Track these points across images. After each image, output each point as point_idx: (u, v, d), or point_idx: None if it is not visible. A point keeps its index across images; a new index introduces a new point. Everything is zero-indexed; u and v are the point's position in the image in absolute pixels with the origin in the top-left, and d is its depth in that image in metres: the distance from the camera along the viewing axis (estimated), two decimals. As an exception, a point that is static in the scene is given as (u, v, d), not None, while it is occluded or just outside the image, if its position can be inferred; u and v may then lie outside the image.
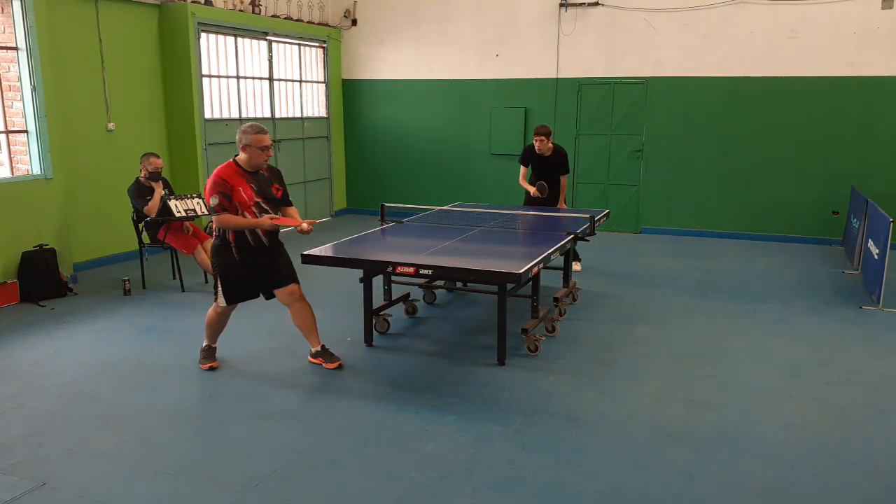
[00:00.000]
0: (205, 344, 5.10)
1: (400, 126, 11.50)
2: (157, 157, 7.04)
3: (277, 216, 4.81)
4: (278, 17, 10.37)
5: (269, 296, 4.99)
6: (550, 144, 7.54)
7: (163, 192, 7.01)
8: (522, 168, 7.78)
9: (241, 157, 4.68)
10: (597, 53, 10.15)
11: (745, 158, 9.73)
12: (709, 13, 9.55)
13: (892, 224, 6.40)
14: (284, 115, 10.66)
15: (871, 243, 7.09)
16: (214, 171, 4.68)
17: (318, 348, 5.06)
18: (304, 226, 4.70)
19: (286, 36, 10.43)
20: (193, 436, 4.06)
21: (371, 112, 11.67)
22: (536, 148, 7.53)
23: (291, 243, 5.13)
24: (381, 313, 5.78)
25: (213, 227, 4.83)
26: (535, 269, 5.01)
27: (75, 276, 7.43)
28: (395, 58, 11.31)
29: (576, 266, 7.89)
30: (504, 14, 10.54)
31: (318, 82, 11.38)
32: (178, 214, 6.96)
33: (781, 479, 3.60)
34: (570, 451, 3.86)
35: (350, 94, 11.75)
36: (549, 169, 7.64)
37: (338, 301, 6.62)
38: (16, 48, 6.85)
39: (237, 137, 4.67)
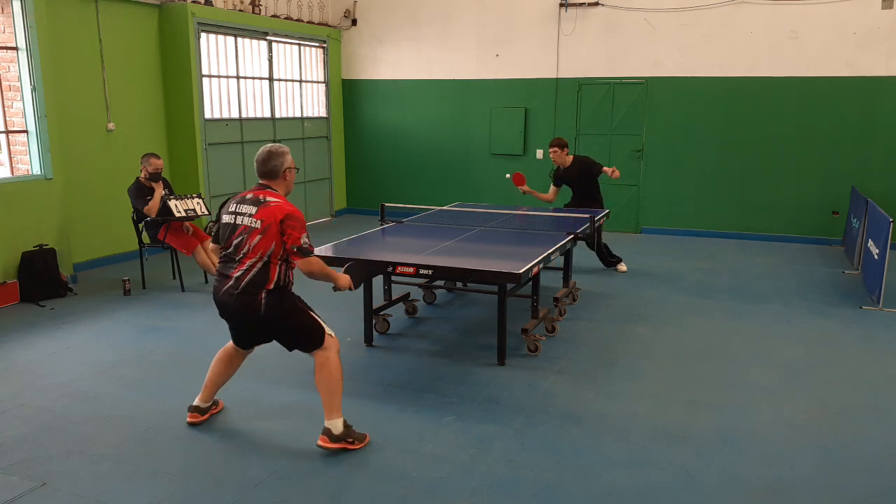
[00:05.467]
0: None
1: (400, 126, 11.50)
2: (158, 157, 7.04)
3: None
4: (278, 17, 10.37)
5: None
6: (568, 157, 7.66)
7: (163, 193, 7.01)
8: (552, 187, 7.91)
9: (282, 184, 3.91)
10: (597, 53, 10.15)
11: (744, 158, 9.73)
12: (709, 13, 9.54)
13: (892, 224, 6.40)
14: (284, 115, 10.66)
15: (871, 243, 7.09)
16: (288, 204, 3.81)
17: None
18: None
19: (286, 36, 10.43)
20: (193, 436, 4.06)
21: (371, 112, 11.67)
22: (553, 160, 7.72)
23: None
24: (381, 313, 5.78)
25: (298, 267, 3.79)
26: (535, 269, 5.01)
27: (75, 276, 7.43)
28: (395, 58, 11.31)
29: (621, 266, 7.96)
30: (504, 14, 10.54)
31: (318, 82, 11.38)
32: (178, 214, 6.96)
33: (781, 479, 3.60)
34: (570, 451, 3.86)
35: (350, 94, 11.75)
36: (577, 177, 7.72)
37: (338, 301, 6.61)
38: (16, 48, 6.85)
39: (274, 163, 3.85)
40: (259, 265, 3.73)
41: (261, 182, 3.91)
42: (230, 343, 4.14)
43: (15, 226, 6.81)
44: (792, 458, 3.80)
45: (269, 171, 3.87)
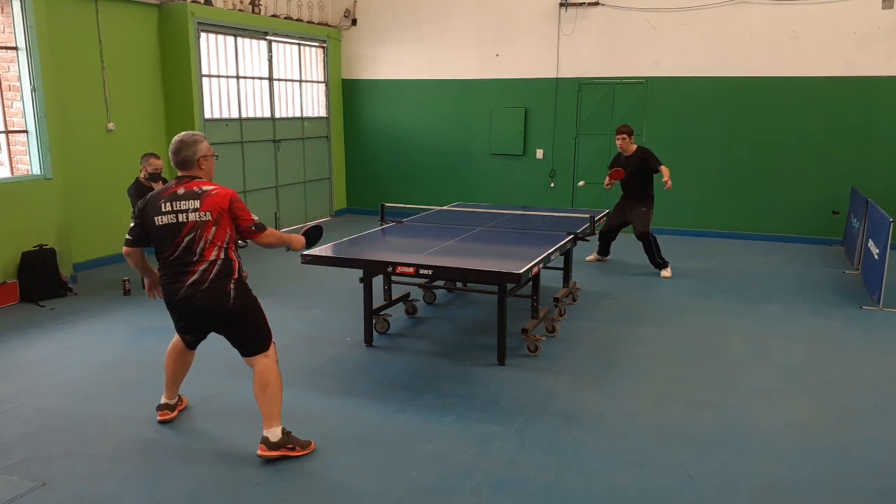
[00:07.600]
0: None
1: (400, 126, 11.50)
2: (158, 157, 7.04)
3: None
4: (278, 16, 10.37)
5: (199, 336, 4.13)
6: (632, 146, 7.75)
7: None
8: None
9: (200, 174, 3.76)
10: (597, 53, 10.15)
11: (745, 158, 9.73)
12: (709, 13, 9.54)
13: (892, 224, 6.40)
14: (284, 115, 10.66)
15: (871, 243, 7.09)
16: (224, 189, 3.73)
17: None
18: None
19: (286, 36, 10.43)
20: (193, 435, 4.06)
21: (371, 112, 11.67)
22: (619, 146, 7.78)
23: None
24: (381, 313, 5.78)
25: (257, 242, 3.81)
26: (535, 269, 5.01)
27: (75, 276, 7.43)
28: (395, 58, 11.31)
29: (665, 272, 7.81)
30: (504, 14, 10.54)
31: (317, 82, 11.38)
32: (178, 214, 6.95)
33: (781, 479, 3.60)
34: (570, 451, 3.86)
35: (350, 94, 11.75)
36: (634, 168, 7.74)
37: (338, 301, 6.62)
38: (16, 48, 6.85)
39: (186, 152, 3.70)
40: (222, 257, 3.68)
41: (181, 174, 3.75)
42: (178, 339, 4.12)
43: (15, 226, 6.81)
44: (792, 458, 3.80)
45: (183, 160, 3.72)
